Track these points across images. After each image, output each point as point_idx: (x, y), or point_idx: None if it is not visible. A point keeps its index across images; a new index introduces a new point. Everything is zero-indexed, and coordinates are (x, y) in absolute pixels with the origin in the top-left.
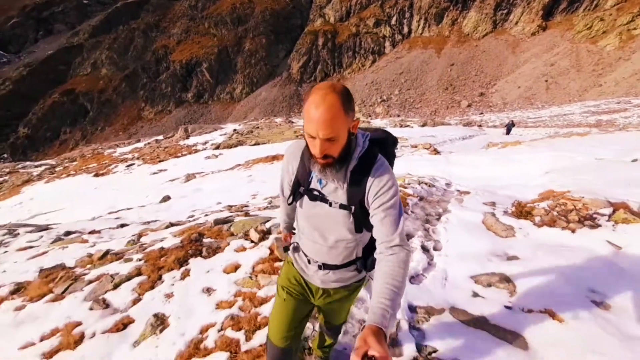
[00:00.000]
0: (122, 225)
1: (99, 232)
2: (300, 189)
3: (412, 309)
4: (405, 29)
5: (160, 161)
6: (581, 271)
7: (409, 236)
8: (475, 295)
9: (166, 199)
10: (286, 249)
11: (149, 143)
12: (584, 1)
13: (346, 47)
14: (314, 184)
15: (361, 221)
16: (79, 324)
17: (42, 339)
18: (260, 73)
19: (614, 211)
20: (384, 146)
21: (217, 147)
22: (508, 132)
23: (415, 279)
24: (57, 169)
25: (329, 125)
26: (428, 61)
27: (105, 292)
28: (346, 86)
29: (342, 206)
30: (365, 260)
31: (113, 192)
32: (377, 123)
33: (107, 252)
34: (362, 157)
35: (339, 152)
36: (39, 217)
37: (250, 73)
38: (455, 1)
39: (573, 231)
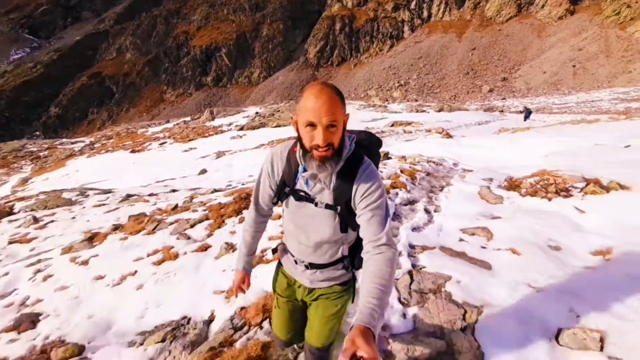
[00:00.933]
0: (173, 190)
1: (156, 194)
2: (286, 189)
3: (411, 246)
4: (425, 13)
5: (190, 140)
6: (547, 227)
7: (414, 201)
8: (461, 240)
9: (203, 171)
10: (274, 250)
11: (177, 124)
12: None
13: (364, 31)
14: (300, 185)
15: (347, 221)
16: (172, 247)
17: (148, 255)
18: (277, 58)
19: (586, 185)
20: (368, 148)
21: (241, 129)
22: (525, 119)
23: (416, 230)
24: (95, 146)
25: (331, 110)
26: (448, 45)
27: (185, 229)
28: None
29: (327, 206)
30: (352, 258)
31: (152, 166)
32: (393, 107)
33: (176, 206)
34: (349, 158)
35: (338, 142)
36: (87, 186)
37: (267, 58)
38: None
39: (550, 199)
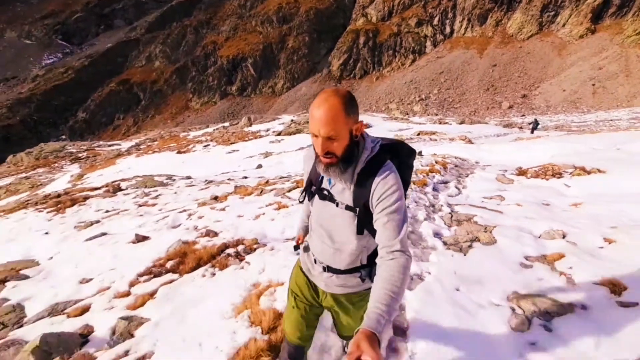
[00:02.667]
0: (245, 177)
1: (232, 179)
2: (312, 187)
3: (448, 204)
4: (448, 29)
5: (231, 143)
6: (542, 194)
7: (447, 182)
8: (482, 201)
9: (259, 166)
10: (296, 248)
11: (217, 128)
12: (633, 6)
13: (387, 46)
14: (325, 184)
15: (364, 223)
16: (281, 202)
17: (267, 206)
18: (301, 69)
19: (574, 170)
20: (397, 154)
21: (279, 134)
22: (533, 131)
23: (450, 196)
24: (141, 147)
25: (329, 124)
26: (469, 61)
27: (284, 193)
28: (350, 92)
29: (347, 207)
30: (370, 268)
31: (202, 164)
32: (415, 120)
33: (268, 181)
34: (370, 160)
35: (341, 151)
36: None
37: (292, 69)
38: (500, 2)
39: (547, 179)
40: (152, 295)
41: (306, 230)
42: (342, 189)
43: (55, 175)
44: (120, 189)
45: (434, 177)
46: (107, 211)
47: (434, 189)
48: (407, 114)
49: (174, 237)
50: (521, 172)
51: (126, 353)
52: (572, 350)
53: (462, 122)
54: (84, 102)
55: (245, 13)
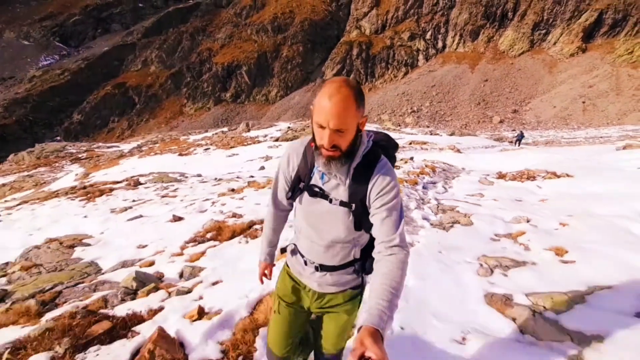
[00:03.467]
0: (251, 176)
1: (240, 178)
2: (301, 184)
3: (436, 199)
4: (440, 44)
5: (231, 147)
6: (516, 192)
7: (435, 182)
8: (465, 197)
9: (262, 168)
10: (283, 250)
11: (216, 133)
12: (626, 26)
13: (379, 58)
14: (315, 180)
15: (361, 219)
16: None
17: None
18: (295, 78)
19: (547, 174)
20: (385, 149)
21: (277, 140)
22: (518, 142)
23: (438, 193)
24: (143, 149)
25: (341, 116)
26: (461, 76)
27: None
28: (359, 82)
29: (342, 203)
30: (363, 262)
31: (204, 166)
32: (407, 131)
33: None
34: (366, 155)
35: (347, 145)
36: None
37: (285, 78)
38: (492, 19)
39: (522, 182)
40: (202, 254)
41: (273, 255)
42: (337, 185)
43: (58, 174)
44: (140, 183)
45: (424, 178)
46: (134, 200)
47: (424, 187)
48: (399, 125)
49: (205, 217)
50: (501, 176)
51: (200, 282)
52: (519, 285)
53: (452, 134)
54: (79, 104)
55: (241, 22)
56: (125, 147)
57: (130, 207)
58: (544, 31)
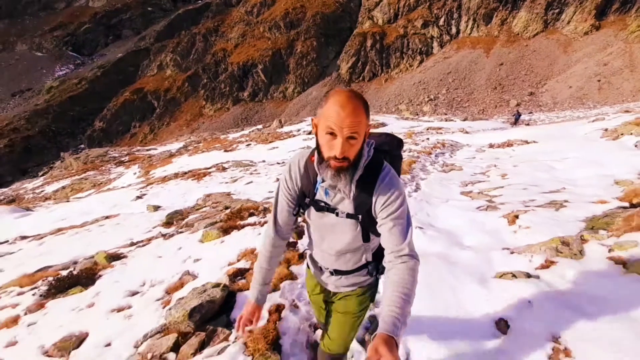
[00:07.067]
0: None
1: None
2: (306, 200)
3: (443, 161)
4: (454, 30)
5: (270, 142)
6: (496, 155)
7: (444, 153)
8: (463, 160)
9: None
10: (302, 256)
11: (252, 130)
12: (637, 2)
13: (394, 48)
14: (319, 196)
15: (368, 229)
16: None
17: None
18: (311, 73)
19: (521, 142)
20: (389, 151)
21: (309, 133)
22: (515, 122)
23: (445, 159)
24: (189, 148)
25: (355, 123)
26: (476, 61)
27: None
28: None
29: (349, 215)
30: (377, 263)
31: (256, 157)
32: (424, 119)
33: None
34: (368, 166)
35: (354, 154)
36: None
37: (301, 73)
38: (505, 1)
39: (504, 148)
40: None
41: (265, 295)
42: (341, 199)
43: (110, 175)
44: (225, 168)
45: (436, 150)
46: (230, 177)
47: (436, 156)
48: (417, 114)
49: None
50: (490, 146)
51: None
52: (479, 188)
53: (465, 119)
54: (99, 112)
55: (253, 20)
56: (168, 148)
57: (236, 180)
58: (557, 10)
